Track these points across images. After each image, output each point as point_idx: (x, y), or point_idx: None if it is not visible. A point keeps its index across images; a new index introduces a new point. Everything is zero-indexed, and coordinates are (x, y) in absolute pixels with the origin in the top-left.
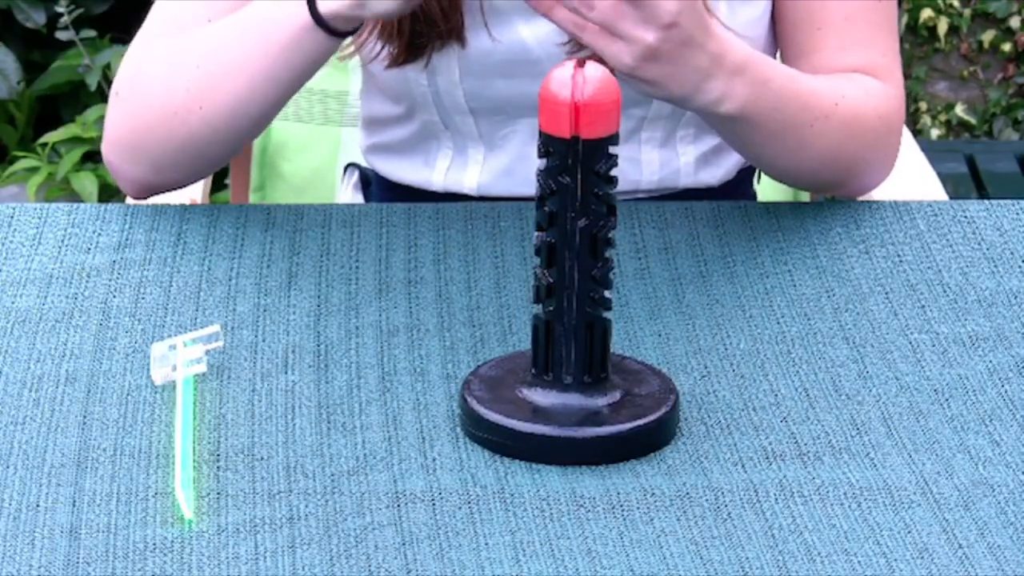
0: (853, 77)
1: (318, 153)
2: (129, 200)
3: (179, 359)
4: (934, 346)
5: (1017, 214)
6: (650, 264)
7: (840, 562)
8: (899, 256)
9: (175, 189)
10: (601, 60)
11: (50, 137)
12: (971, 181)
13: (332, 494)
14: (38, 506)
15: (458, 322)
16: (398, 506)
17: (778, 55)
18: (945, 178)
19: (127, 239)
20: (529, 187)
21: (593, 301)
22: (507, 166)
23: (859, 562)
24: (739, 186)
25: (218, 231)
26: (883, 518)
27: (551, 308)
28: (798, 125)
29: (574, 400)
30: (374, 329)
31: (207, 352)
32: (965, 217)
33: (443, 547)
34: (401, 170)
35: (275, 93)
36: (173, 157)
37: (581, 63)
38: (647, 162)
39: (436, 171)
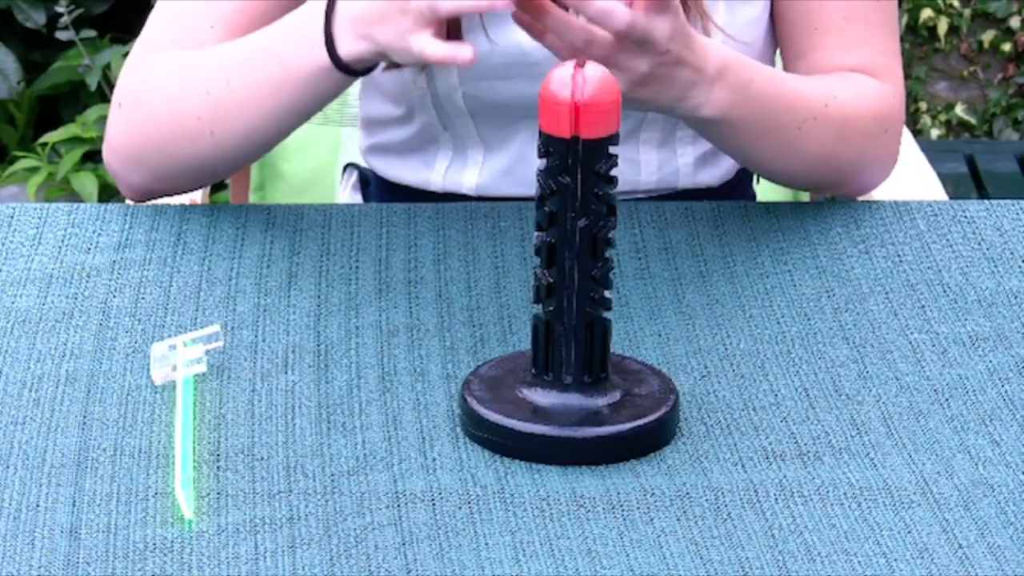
0: (848, 77)
1: (318, 153)
2: (129, 200)
3: (179, 359)
4: (934, 346)
5: (1017, 214)
6: (650, 264)
7: (840, 562)
8: (899, 256)
9: (177, 195)
10: None
11: (50, 137)
12: (971, 181)
13: (332, 494)
14: (38, 506)
15: (458, 322)
16: (398, 506)
17: (778, 55)
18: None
19: (127, 239)
20: (528, 187)
21: (593, 301)
22: (506, 166)
23: (859, 562)
24: (738, 186)
25: (218, 231)
26: (883, 518)
27: (551, 308)
28: (784, 127)
29: (574, 400)
30: (374, 329)
31: (207, 352)
32: (965, 217)
33: (443, 547)
34: (400, 170)
35: (289, 124)
36: (179, 172)
37: (581, 63)
38: (646, 163)
39: (435, 171)
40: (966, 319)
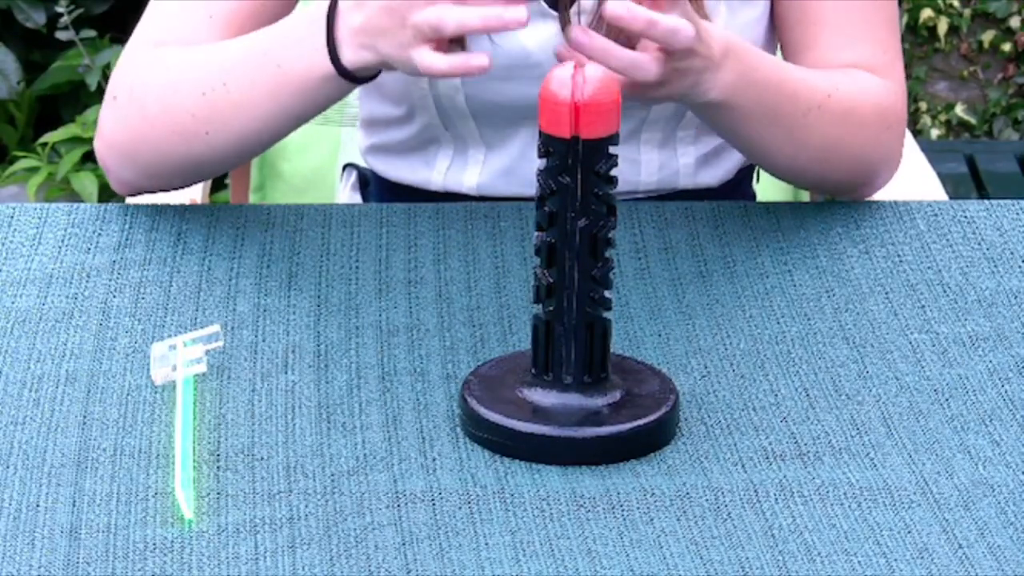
0: (849, 71)
1: (318, 153)
2: (129, 200)
3: (179, 359)
4: (934, 346)
5: (1017, 214)
6: (650, 264)
7: (840, 562)
8: (899, 256)
9: (166, 191)
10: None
11: (50, 137)
12: (971, 181)
13: (332, 494)
14: (38, 506)
15: (458, 322)
16: (398, 506)
17: (778, 55)
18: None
19: (127, 239)
20: (529, 188)
21: (593, 301)
22: (507, 166)
23: (859, 562)
24: (739, 186)
25: (218, 231)
26: (883, 518)
27: (551, 308)
28: (789, 115)
29: (574, 400)
30: (374, 329)
31: (207, 352)
32: (965, 217)
33: (443, 547)
34: (401, 170)
35: (284, 128)
36: (170, 170)
37: (581, 63)
38: (646, 163)
39: (436, 171)
40: (966, 319)
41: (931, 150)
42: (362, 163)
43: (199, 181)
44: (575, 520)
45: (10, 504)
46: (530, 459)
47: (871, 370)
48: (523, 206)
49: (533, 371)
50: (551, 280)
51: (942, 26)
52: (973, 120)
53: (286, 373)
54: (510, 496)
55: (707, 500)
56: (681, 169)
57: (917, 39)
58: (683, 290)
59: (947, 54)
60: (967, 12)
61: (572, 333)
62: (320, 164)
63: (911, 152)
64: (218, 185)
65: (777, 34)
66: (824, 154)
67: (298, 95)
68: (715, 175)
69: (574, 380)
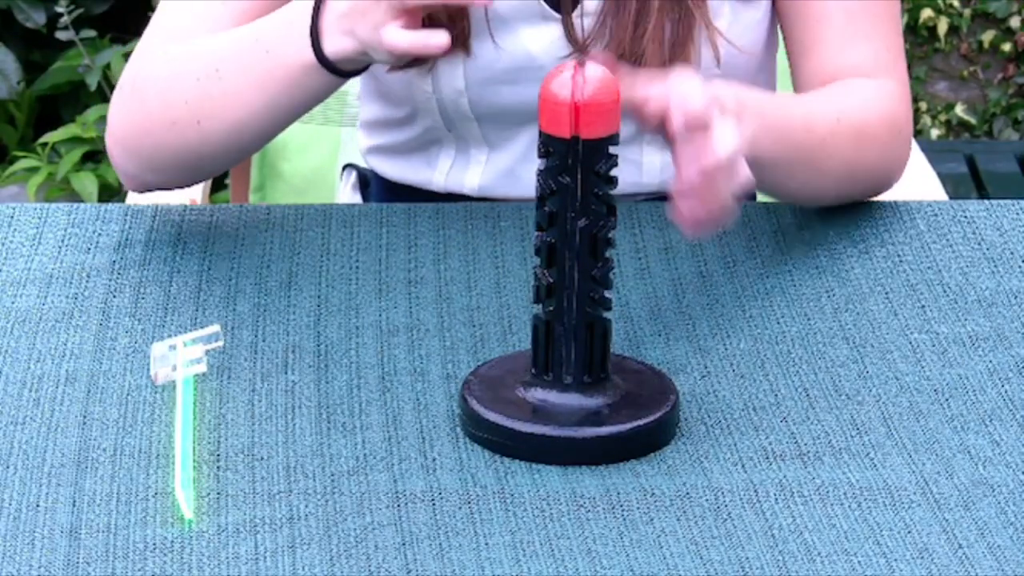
0: (849, 87)
1: (318, 153)
2: (129, 200)
3: (179, 359)
4: (934, 346)
5: (1017, 214)
6: (650, 264)
7: (840, 562)
8: (899, 256)
9: (175, 189)
10: (601, 60)
11: (50, 137)
12: (971, 181)
13: (332, 494)
14: (38, 506)
15: (458, 322)
16: (398, 506)
17: (780, 55)
18: (945, 178)
19: (127, 239)
20: (530, 189)
21: (593, 301)
22: (509, 168)
23: (859, 562)
24: None
25: (218, 231)
26: (883, 518)
27: (551, 308)
28: (808, 148)
29: (574, 400)
30: (374, 329)
31: (207, 352)
32: (965, 217)
33: (443, 547)
34: (402, 170)
35: (274, 122)
36: (171, 162)
37: (581, 63)
38: (648, 164)
39: (438, 171)
40: (966, 319)
41: (931, 150)
42: (362, 163)
43: (200, 177)
44: (575, 520)
45: (10, 504)
46: (530, 459)
47: (871, 370)
48: (523, 206)
49: (533, 371)
50: (551, 280)
51: (942, 26)
52: (973, 120)
53: (286, 373)
54: (510, 496)
55: (707, 500)
56: None
57: (917, 39)
58: (683, 290)
59: (947, 54)
60: (967, 12)
61: (572, 333)
62: (320, 164)
63: (911, 152)
64: (218, 185)
65: (782, 32)
66: (846, 175)
67: (283, 84)
68: None
69: (574, 380)
